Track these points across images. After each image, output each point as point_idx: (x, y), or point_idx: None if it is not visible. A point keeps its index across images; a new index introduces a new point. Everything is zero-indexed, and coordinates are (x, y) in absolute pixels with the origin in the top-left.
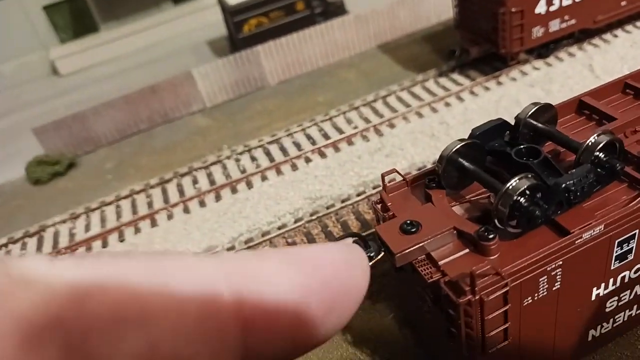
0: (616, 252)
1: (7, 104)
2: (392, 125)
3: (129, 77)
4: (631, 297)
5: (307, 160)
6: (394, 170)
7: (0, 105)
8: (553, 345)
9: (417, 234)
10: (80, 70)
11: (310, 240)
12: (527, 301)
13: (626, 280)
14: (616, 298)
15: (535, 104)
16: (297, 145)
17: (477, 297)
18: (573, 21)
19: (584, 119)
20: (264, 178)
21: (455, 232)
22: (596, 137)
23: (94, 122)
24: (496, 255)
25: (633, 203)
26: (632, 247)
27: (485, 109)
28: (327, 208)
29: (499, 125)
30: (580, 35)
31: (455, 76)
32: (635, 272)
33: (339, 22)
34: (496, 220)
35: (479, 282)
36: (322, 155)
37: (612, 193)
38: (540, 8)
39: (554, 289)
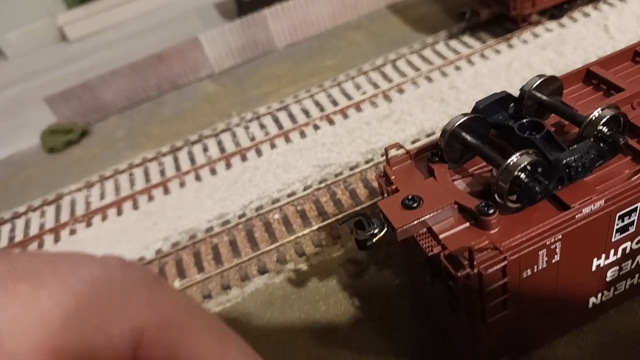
0: (617, 225)
1: (18, 72)
2: (401, 91)
3: (137, 42)
4: (633, 266)
5: (316, 127)
6: (398, 144)
7: (10, 74)
8: (553, 313)
9: (419, 208)
10: (89, 35)
11: (319, 207)
12: (527, 273)
13: (627, 251)
14: (617, 268)
15: (540, 76)
16: (306, 112)
17: (475, 271)
18: None
19: (591, 89)
20: (272, 146)
21: (456, 206)
22: (600, 112)
23: (103, 91)
24: (496, 230)
25: (635, 178)
26: (634, 220)
27: (496, 72)
28: (336, 176)
29: (503, 98)
30: None
31: (466, 38)
32: (637, 243)
33: None
34: (496, 196)
35: (477, 256)
36: (331, 122)
37: (615, 166)
38: None
39: (554, 261)
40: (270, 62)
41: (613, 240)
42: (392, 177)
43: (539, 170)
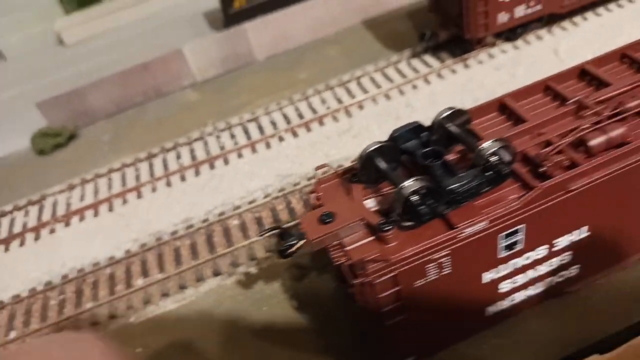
0: (503, 243)
1: (15, 74)
2: (361, 107)
3: (128, 49)
4: (526, 280)
5: (281, 139)
6: (326, 165)
7: (7, 76)
8: (453, 319)
9: (332, 223)
10: (84, 40)
11: (275, 214)
12: (419, 283)
13: (518, 266)
14: (510, 281)
15: (449, 108)
16: (274, 124)
17: (367, 280)
18: (539, 7)
19: (504, 119)
20: (240, 155)
21: (363, 223)
22: (489, 143)
23: (92, 97)
24: (393, 244)
25: (515, 202)
26: (520, 239)
27: (450, 92)
28: (294, 185)
29: (416, 127)
30: (550, 19)
31: (427, 57)
32: (526, 260)
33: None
34: (394, 214)
35: (371, 266)
36: (295, 134)
37: (505, 192)
38: None
39: (444, 273)
40: (251, 72)
41: (500, 256)
42: (319, 194)
43: (429, 194)
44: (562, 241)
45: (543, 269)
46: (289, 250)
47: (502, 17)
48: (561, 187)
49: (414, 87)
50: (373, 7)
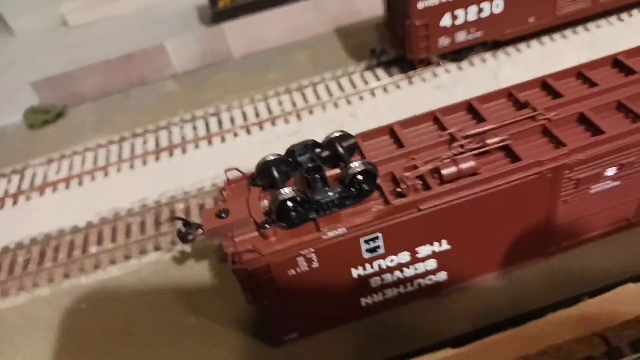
0: (365, 247)
1: (17, 53)
2: (311, 112)
3: (123, 37)
4: (394, 279)
5: (236, 135)
6: (236, 169)
7: (14, 53)
8: (327, 305)
9: (226, 219)
10: (87, 24)
11: (217, 202)
12: (292, 273)
13: (384, 267)
14: (379, 278)
15: (340, 131)
16: (232, 121)
17: (244, 267)
18: (480, 33)
19: (392, 142)
20: (197, 146)
21: (252, 220)
22: (355, 164)
23: (82, 81)
24: (272, 240)
25: (370, 215)
26: (379, 245)
27: (392, 107)
28: None
29: (312, 144)
30: (495, 44)
31: (379, 71)
32: (391, 262)
33: (300, 6)
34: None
35: (246, 256)
36: (249, 132)
37: (371, 204)
38: (446, 22)
39: (314, 266)
40: (225, 70)
41: (365, 257)
42: (226, 193)
43: (302, 202)
44: (425, 250)
45: (410, 271)
46: (188, 238)
47: (444, 41)
48: (413, 206)
49: (361, 98)
50: (346, 17)
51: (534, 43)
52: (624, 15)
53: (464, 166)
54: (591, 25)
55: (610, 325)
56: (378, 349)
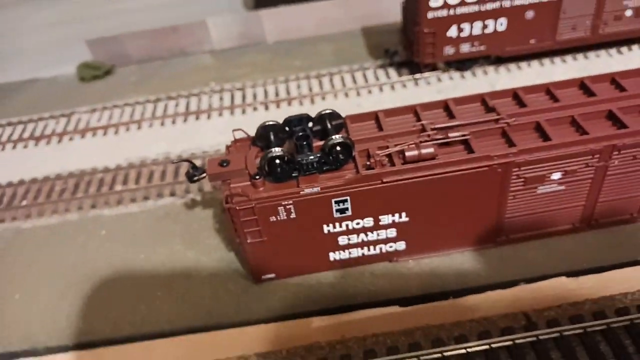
0: (335, 207)
1: (75, 13)
2: (324, 98)
3: (171, 10)
4: (359, 240)
5: (255, 109)
6: (240, 130)
7: (71, 14)
8: (305, 253)
9: (226, 167)
10: None
11: None
12: (272, 219)
13: (350, 227)
14: (346, 237)
15: (330, 110)
16: (254, 96)
17: (234, 206)
18: (483, 47)
19: (375, 126)
20: (220, 114)
21: (246, 171)
22: (335, 137)
23: (130, 45)
24: (261, 188)
25: (343, 180)
26: (347, 207)
27: (394, 102)
28: None
29: (306, 117)
30: (498, 59)
31: (390, 70)
32: (357, 224)
33: (333, 3)
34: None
35: (236, 198)
36: (267, 108)
37: (345, 172)
38: (452, 32)
39: (292, 217)
40: (256, 51)
41: (335, 216)
42: (231, 148)
43: (288, 161)
44: (386, 218)
45: (373, 236)
46: (194, 178)
47: (449, 50)
48: (377, 177)
49: (369, 92)
50: (374, 18)
51: (534, 63)
52: (624, 49)
53: (424, 151)
54: (591, 54)
55: (537, 308)
56: (339, 297)
